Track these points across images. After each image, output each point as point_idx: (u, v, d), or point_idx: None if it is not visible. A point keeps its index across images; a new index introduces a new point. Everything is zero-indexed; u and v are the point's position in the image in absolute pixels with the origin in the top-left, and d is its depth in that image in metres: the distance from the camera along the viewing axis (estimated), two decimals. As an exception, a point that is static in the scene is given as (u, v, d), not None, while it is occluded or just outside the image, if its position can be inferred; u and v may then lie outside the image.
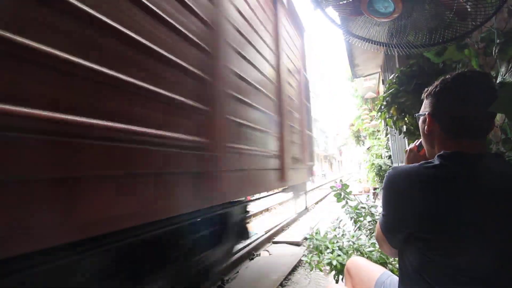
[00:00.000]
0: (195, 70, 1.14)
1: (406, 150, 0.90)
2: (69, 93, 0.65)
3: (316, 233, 1.72)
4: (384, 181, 0.65)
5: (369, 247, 1.52)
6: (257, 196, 2.64)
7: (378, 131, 6.80)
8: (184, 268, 1.39)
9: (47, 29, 0.62)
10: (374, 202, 2.21)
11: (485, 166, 0.60)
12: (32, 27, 0.59)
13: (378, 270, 0.93)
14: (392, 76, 1.78)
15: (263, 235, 3.85)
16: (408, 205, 0.60)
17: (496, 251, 0.55)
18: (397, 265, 0.73)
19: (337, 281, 1.49)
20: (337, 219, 1.83)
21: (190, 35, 1.12)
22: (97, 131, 0.69)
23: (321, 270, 1.66)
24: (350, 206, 1.81)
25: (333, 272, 1.51)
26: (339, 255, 1.50)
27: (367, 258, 1.40)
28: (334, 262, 1.47)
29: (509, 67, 0.83)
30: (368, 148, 7.15)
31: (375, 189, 5.61)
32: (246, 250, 3.19)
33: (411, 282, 0.62)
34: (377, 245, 1.43)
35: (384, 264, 1.39)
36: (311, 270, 1.69)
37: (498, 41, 0.97)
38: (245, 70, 1.61)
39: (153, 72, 0.92)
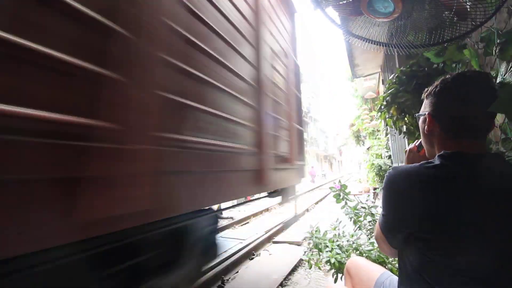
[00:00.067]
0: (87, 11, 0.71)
1: (406, 151, 0.90)
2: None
3: (316, 232, 1.72)
4: (384, 181, 0.65)
5: (368, 246, 1.53)
6: (235, 202, 2.32)
7: (378, 131, 6.80)
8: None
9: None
10: (374, 202, 2.21)
11: (485, 166, 0.60)
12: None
13: (378, 270, 0.93)
14: (392, 76, 1.78)
15: (263, 235, 3.85)
16: (408, 205, 0.60)
17: (496, 251, 0.55)
18: (397, 265, 0.73)
19: (335, 280, 1.49)
20: (336, 220, 1.83)
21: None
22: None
23: (320, 269, 1.66)
24: (349, 207, 1.81)
25: (332, 271, 1.51)
26: (338, 254, 1.50)
27: (366, 257, 1.40)
28: (333, 260, 1.47)
29: (509, 67, 0.83)
30: (368, 148, 7.15)
31: (375, 189, 5.61)
32: (246, 250, 3.20)
33: (410, 282, 0.62)
34: (375, 245, 1.44)
35: (383, 263, 1.39)
36: (310, 268, 1.69)
37: (498, 41, 0.97)
38: (197, 32, 1.17)
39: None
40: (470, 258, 0.55)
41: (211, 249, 1.75)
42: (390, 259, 1.42)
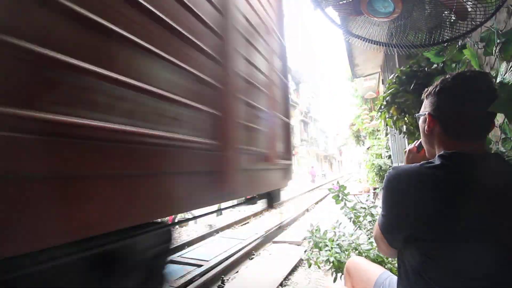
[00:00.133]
0: None
1: (405, 151, 0.90)
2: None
3: (316, 231, 1.72)
4: (384, 181, 0.65)
5: (367, 245, 1.53)
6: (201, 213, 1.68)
7: (378, 130, 6.81)
8: None
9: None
10: (374, 202, 2.21)
11: (485, 166, 0.60)
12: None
13: (377, 270, 0.93)
14: (392, 76, 1.78)
15: (263, 235, 3.86)
16: (409, 205, 0.60)
17: (496, 251, 0.55)
18: (396, 265, 0.73)
19: (334, 280, 1.49)
20: (336, 222, 1.83)
21: None
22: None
23: (319, 268, 1.66)
24: (348, 207, 1.81)
25: (332, 271, 1.51)
26: (337, 253, 1.50)
27: (365, 256, 1.40)
28: (331, 259, 1.47)
29: (509, 67, 0.83)
30: (368, 148, 7.16)
31: (375, 189, 5.61)
32: (246, 250, 3.20)
33: (410, 282, 0.62)
34: (375, 244, 1.44)
35: (382, 262, 1.39)
36: (309, 267, 1.69)
37: (498, 40, 0.97)
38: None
39: None
40: (470, 258, 0.55)
41: (154, 279, 1.25)
42: (390, 259, 1.42)
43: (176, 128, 1.01)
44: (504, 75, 0.83)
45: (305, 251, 3.01)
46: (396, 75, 1.70)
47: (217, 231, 4.30)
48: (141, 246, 1.16)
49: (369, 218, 1.78)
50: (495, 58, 1.05)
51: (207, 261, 2.83)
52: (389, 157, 5.17)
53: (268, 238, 3.84)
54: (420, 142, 0.83)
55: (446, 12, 1.01)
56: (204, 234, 3.97)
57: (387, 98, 1.71)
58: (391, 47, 1.09)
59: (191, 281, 2.38)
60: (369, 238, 1.64)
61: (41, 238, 0.59)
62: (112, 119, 0.75)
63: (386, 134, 5.50)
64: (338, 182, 1.91)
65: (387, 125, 1.91)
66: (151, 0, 0.91)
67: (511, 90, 0.75)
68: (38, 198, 0.59)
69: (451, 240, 0.55)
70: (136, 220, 0.85)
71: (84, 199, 0.68)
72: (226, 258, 2.92)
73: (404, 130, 1.81)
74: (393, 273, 0.91)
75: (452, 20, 1.02)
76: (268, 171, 1.89)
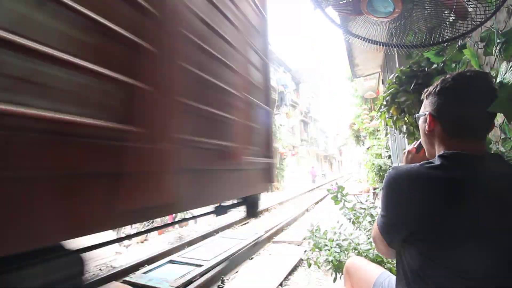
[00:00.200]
0: None
1: (404, 152, 0.90)
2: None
3: (317, 231, 1.72)
4: (384, 180, 0.65)
5: (366, 245, 1.53)
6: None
7: (378, 130, 6.80)
8: None
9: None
10: (374, 202, 2.21)
11: (485, 167, 0.61)
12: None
13: (377, 271, 0.93)
14: (392, 76, 1.78)
15: (263, 235, 3.86)
16: (408, 205, 0.60)
17: (496, 252, 0.55)
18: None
19: (334, 280, 1.49)
20: (338, 223, 1.83)
21: None
22: None
23: (319, 268, 1.66)
24: (348, 208, 1.81)
25: (331, 271, 1.51)
26: (336, 253, 1.51)
27: (364, 256, 1.40)
28: (331, 258, 1.47)
29: (509, 67, 0.82)
30: (368, 148, 7.15)
31: (375, 189, 5.61)
32: (246, 250, 3.20)
33: (409, 282, 0.62)
34: (373, 244, 1.44)
35: (381, 262, 1.39)
36: (309, 267, 1.69)
37: (498, 40, 0.97)
38: None
39: None
40: (469, 259, 0.55)
41: None
42: (389, 259, 1.42)
43: (49, 102, 0.64)
44: (504, 75, 0.82)
45: (304, 251, 3.01)
46: (396, 75, 1.70)
47: (216, 231, 4.30)
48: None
49: (368, 218, 1.78)
50: (495, 58, 1.05)
51: (207, 261, 2.83)
52: (389, 157, 5.17)
53: (268, 238, 3.84)
54: (419, 143, 0.83)
55: (446, 12, 1.01)
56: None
57: (387, 98, 1.71)
58: (391, 47, 1.09)
59: (191, 281, 2.38)
60: (368, 238, 1.64)
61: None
62: None
63: (386, 134, 5.50)
64: (336, 183, 1.91)
65: (387, 125, 1.90)
66: None
67: (511, 90, 0.75)
68: None
69: (450, 241, 0.55)
70: None
71: None
72: (226, 258, 2.92)
73: (404, 130, 1.81)
74: (392, 273, 0.91)
75: (452, 20, 1.01)
76: (241, 172, 1.50)
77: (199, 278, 2.42)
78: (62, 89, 0.68)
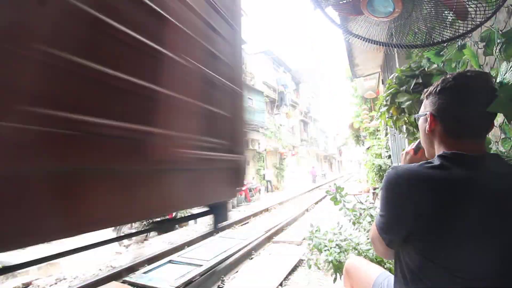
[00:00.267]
0: None
1: (403, 153, 0.90)
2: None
3: (316, 231, 1.72)
4: (383, 180, 0.65)
5: (366, 245, 1.53)
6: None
7: (378, 130, 6.80)
8: None
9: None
10: (374, 202, 2.21)
11: (485, 167, 0.60)
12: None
13: (377, 271, 0.93)
14: (392, 76, 1.78)
15: (263, 235, 3.86)
16: (407, 205, 0.60)
17: (495, 252, 0.54)
18: None
19: (334, 280, 1.49)
20: (338, 224, 1.82)
21: None
22: None
23: (319, 268, 1.66)
24: (347, 209, 1.81)
25: (331, 271, 1.51)
26: (336, 253, 1.50)
27: (364, 256, 1.40)
28: (330, 258, 1.47)
29: (509, 67, 0.82)
30: (368, 148, 7.15)
31: (374, 189, 5.60)
32: (246, 250, 3.20)
33: (407, 283, 0.62)
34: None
35: (381, 262, 1.39)
36: (309, 268, 1.69)
37: (498, 40, 0.97)
38: None
39: None
40: (468, 259, 0.55)
41: None
42: None
43: None
44: (504, 75, 0.82)
45: (304, 254, 3.01)
46: (396, 75, 1.69)
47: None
48: None
49: (368, 218, 1.78)
50: (495, 58, 1.04)
51: (207, 261, 2.83)
52: (389, 157, 5.17)
53: (268, 238, 3.84)
54: (418, 144, 0.83)
55: (446, 12, 1.01)
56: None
57: (387, 98, 1.71)
58: (391, 47, 1.08)
59: (191, 281, 2.38)
60: (368, 238, 1.64)
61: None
62: None
63: (386, 134, 5.49)
64: (335, 184, 1.90)
65: (387, 125, 1.90)
66: None
67: (511, 90, 0.75)
68: None
69: (449, 241, 0.55)
70: None
71: None
72: (226, 258, 2.92)
73: (404, 130, 1.81)
74: (392, 273, 0.90)
75: (452, 20, 1.01)
76: (197, 174, 1.15)
77: (199, 278, 2.42)
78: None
